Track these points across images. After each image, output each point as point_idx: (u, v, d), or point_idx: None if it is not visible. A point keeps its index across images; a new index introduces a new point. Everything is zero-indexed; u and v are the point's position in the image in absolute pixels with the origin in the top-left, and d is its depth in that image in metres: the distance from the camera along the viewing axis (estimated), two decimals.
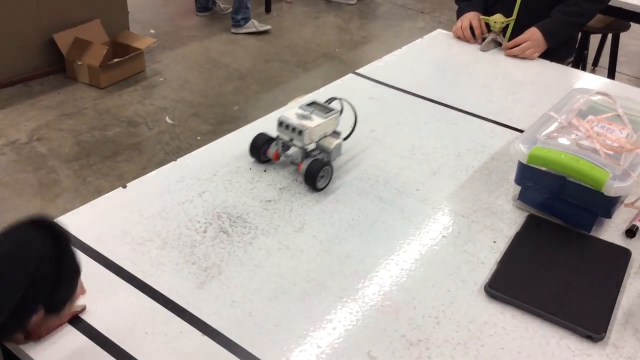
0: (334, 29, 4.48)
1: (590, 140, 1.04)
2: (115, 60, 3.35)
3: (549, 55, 1.78)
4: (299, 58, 3.95)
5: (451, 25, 1.89)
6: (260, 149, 1.18)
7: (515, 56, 1.75)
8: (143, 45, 3.51)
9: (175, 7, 4.53)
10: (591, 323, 0.85)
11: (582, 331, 0.84)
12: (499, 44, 1.80)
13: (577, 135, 1.07)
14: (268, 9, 4.58)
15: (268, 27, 4.21)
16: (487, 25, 1.79)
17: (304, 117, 1.14)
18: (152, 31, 4.08)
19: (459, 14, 1.89)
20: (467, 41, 1.82)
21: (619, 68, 3.78)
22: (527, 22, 1.79)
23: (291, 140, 1.13)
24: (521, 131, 1.33)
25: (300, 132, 1.10)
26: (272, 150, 1.17)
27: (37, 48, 3.30)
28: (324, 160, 1.14)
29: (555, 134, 1.07)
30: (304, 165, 1.12)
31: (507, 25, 1.81)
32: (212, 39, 4.09)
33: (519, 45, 1.75)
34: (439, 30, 1.90)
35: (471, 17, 1.82)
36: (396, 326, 0.85)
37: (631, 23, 3.04)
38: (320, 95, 1.46)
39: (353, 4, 4.90)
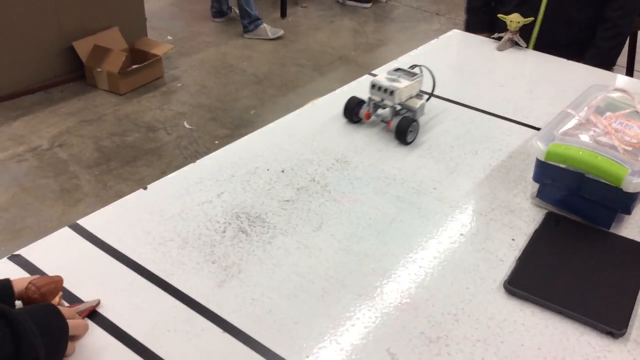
0: (350, 32, 4.49)
1: (608, 137, 1.04)
2: (134, 66, 3.40)
3: (573, 52, 1.82)
4: (314, 62, 3.97)
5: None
6: (352, 110, 1.33)
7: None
8: (161, 51, 3.55)
9: (191, 13, 4.57)
10: (612, 319, 0.85)
11: (603, 327, 0.84)
12: (515, 44, 1.79)
13: (595, 131, 1.06)
14: (284, 14, 4.61)
15: (280, 32, 4.24)
16: (504, 24, 1.79)
17: (393, 80, 1.29)
18: (169, 37, 4.13)
19: (468, 28, 1.93)
20: None
21: (637, 66, 3.74)
22: (552, 23, 1.82)
23: (382, 100, 1.29)
24: (538, 129, 1.33)
25: (392, 92, 1.26)
26: (363, 111, 1.33)
27: (57, 56, 3.36)
28: (411, 117, 1.28)
29: (573, 131, 1.07)
30: (394, 123, 1.28)
31: (528, 26, 1.80)
32: (229, 44, 4.13)
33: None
34: (455, 30, 1.90)
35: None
36: (415, 323, 0.85)
37: None
38: (337, 96, 1.47)
39: (368, 7, 4.91)
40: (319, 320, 0.85)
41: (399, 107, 1.31)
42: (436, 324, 0.86)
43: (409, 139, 1.27)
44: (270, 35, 4.19)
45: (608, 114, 1.12)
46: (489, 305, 0.89)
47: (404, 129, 1.26)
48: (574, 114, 1.12)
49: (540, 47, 1.86)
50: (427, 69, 1.38)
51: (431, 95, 1.39)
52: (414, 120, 1.28)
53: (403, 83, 1.28)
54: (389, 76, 1.30)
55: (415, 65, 1.37)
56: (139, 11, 3.72)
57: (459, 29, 1.99)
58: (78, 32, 3.38)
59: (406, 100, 1.31)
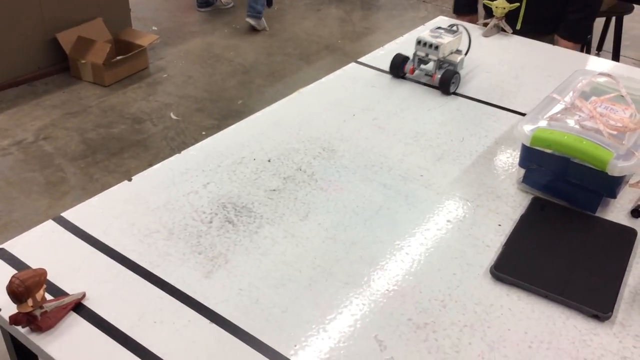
0: (336, 21, 4.47)
1: (593, 121, 1.04)
2: (118, 57, 3.37)
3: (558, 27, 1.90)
4: (301, 51, 3.95)
5: (453, 14, 1.90)
6: (399, 66, 1.48)
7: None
8: (146, 42, 3.52)
9: (176, 3, 4.53)
10: (597, 302, 0.85)
11: (589, 310, 0.85)
12: (501, 30, 1.79)
13: (580, 116, 1.06)
14: (270, 3, 4.57)
15: (266, 28, 4.22)
16: (490, 10, 1.79)
17: (436, 36, 1.43)
18: (154, 28, 4.09)
19: (456, 10, 1.95)
20: None
21: (623, 52, 3.75)
22: (537, 7, 1.86)
23: (427, 55, 1.44)
24: (524, 115, 1.33)
25: (437, 47, 1.41)
26: (408, 66, 1.48)
27: (40, 48, 3.32)
28: (453, 70, 1.43)
29: (558, 116, 1.07)
30: (438, 75, 1.43)
31: (513, 11, 1.81)
32: (215, 34, 4.10)
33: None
34: (441, 17, 1.89)
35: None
36: (402, 310, 0.86)
37: (634, 5, 3.02)
38: (323, 84, 1.47)
39: None
40: (306, 309, 0.85)
41: (442, 61, 1.45)
42: (423, 310, 0.86)
43: (452, 89, 1.43)
44: (259, 28, 4.15)
45: (593, 98, 1.12)
46: (475, 291, 0.89)
47: (448, 80, 1.41)
48: (559, 99, 1.12)
49: (528, 23, 1.90)
50: (465, 28, 1.51)
51: (467, 51, 1.52)
52: (456, 72, 1.43)
53: (446, 39, 1.42)
54: (432, 33, 1.45)
55: (454, 25, 1.51)
56: (122, 2, 3.68)
57: (445, 15, 1.98)
58: (61, 24, 3.34)
59: (448, 55, 1.45)
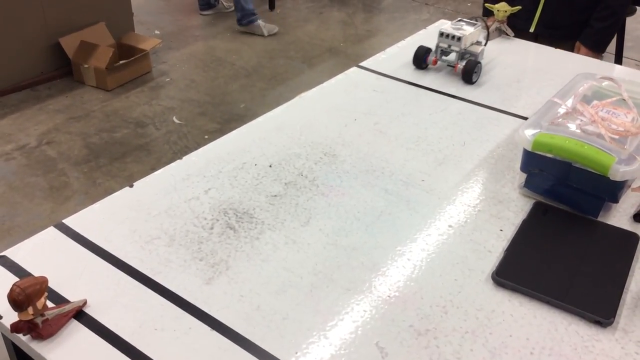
0: (339, 24, 4.47)
1: (595, 125, 1.04)
2: (121, 62, 3.38)
3: (574, 32, 1.96)
4: (304, 54, 3.96)
5: (456, 16, 1.91)
6: (422, 57, 1.54)
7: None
8: (148, 46, 3.53)
9: (179, 7, 4.54)
10: (600, 308, 0.85)
11: (591, 316, 0.84)
12: (503, 33, 1.79)
13: (582, 120, 1.06)
14: (272, 6, 4.58)
15: (275, 29, 4.18)
16: (492, 13, 1.79)
17: (458, 29, 1.50)
18: (157, 32, 4.10)
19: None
20: None
21: (626, 53, 3.74)
22: (554, 4, 1.87)
23: (449, 46, 1.50)
24: (526, 118, 1.32)
25: (459, 39, 1.48)
26: (431, 58, 1.54)
27: (43, 53, 3.33)
28: (475, 60, 1.49)
29: (559, 120, 1.07)
30: (460, 65, 1.50)
31: (530, 8, 1.86)
32: (217, 38, 4.11)
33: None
34: (442, 21, 1.89)
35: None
36: (404, 316, 0.85)
37: (637, 7, 3.01)
38: (324, 89, 1.47)
39: None
40: (307, 315, 0.85)
41: (463, 52, 1.51)
42: (425, 316, 0.85)
43: (474, 78, 1.49)
44: (265, 33, 4.13)
45: (595, 102, 1.12)
46: (477, 297, 0.89)
47: (471, 70, 1.48)
48: (561, 103, 1.11)
49: (542, 27, 1.91)
50: (483, 20, 1.58)
51: (487, 42, 1.58)
52: (478, 62, 1.49)
53: (467, 30, 1.49)
54: (454, 26, 1.52)
55: (474, 17, 1.58)
56: (125, 6, 3.69)
57: (447, 18, 1.99)
58: (64, 28, 3.35)
59: (469, 46, 1.52)
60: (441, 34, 1.50)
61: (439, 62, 1.55)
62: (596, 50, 1.91)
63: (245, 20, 4.10)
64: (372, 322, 0.84)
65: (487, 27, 1.80)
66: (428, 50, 1.55)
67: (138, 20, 3.87)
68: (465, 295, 0.89)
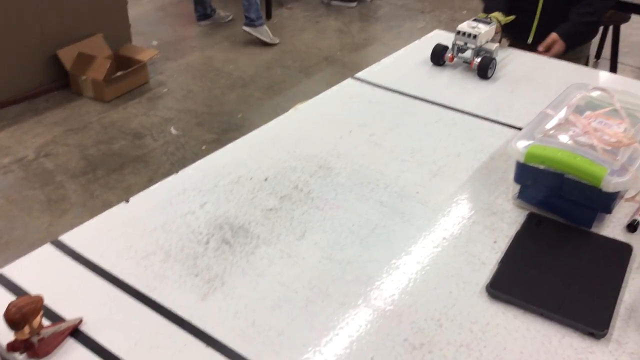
0: (335, 33, 4.49)
1: (587, 136, 1.04)
2: (119, 73, 3.38)
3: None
4: (301, 63, 3.97)
5: (451, 24, 1.92)
6: (439, 55, 1.64)
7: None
8: (146, 57, 3.54)
9: (176, 18, 4.56)
10: (593, 320, 0.85)
11: (584, 328, 0.85)
12: (498, 42, 1.80)
13: (574, 131, 1.07)
14: (269, 15, 4.60)
15: (277, 40, 4.19)
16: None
17: (474, 27, 1.60)
18: (154, 43, 4.11)
19: (486, 10, 1.98)
20: None
21: (622, 59, 3.76)
22: (550, 15, 1.89)
23: (465, 44, 1.60)
24: (520, 129, 1.33)
25: (475, 37, 1.58)
26: (448, 55, 1.63)
27: (40, 65, 3.34)
28: (490, 56, 1.58)
29: (552, 131, 1.08)
30: (476, 61, 1.59)
31: (527, 20, 1.87)
32: (214, 48, 4.12)
33: (548, 49, 1.91)
34: (437, 31, 1.90)
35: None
36: (399, 330, 0.86)
37: (631, 15, 3.03)
38: (319, 101, 1.47)
39: (353, 7, 4.91)
40: (302, 331, 0.85)
41: (479, 49, 1.61)
42: (419, 330, 0.86)
43: (489, 74, 1.58)
44: (270, 40, 4.13)
45: (588, 112, 1.13)
46: (471, 310, 0.89)
47: (486, 65, 1.57)
48: (553, 114, 1.12)
49: (540, 39, 1.92)
50: (497, 19, 1.70)
51: (500, 40, 1.69)
52: (493, 58, 1.58)
53: (483, 29, 1.59)
54: (470, 24, 1.62)
55: (487, 16, 1.69)
56: (122, 17, 3.70)
57: (443, 26, 2.00)
58: (61, 40, 3.36)
59: (484, 44, 1.62)
60: (458, 32, 1.60)
61: (455, 59, 1.64)
62: (568, 42, 1.91)
63: (258, 21, 4.09)
64: (367, 337, 0.84)
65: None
66: (445, 47, 1.64)
67: (135, 31, 3.88)
68: (460, 308, 0.90)
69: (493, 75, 1.60)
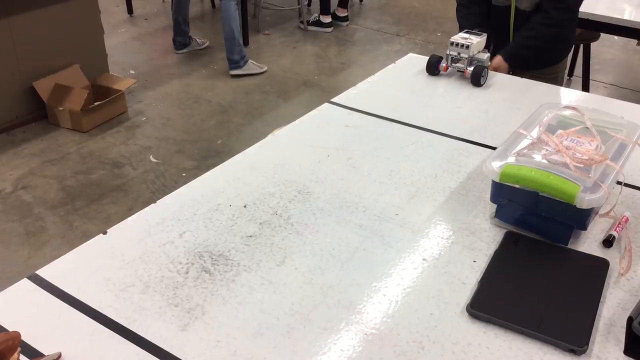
0: (312, 57, 4.53)
1: (560, 155, 1.06)
2: (96, 103, 3.38)
3: (545, 60, 2.02)
4: (279, 88, 3.99)
5: (426, 46, 1.97)
6: (434, 65, 1.75)
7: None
8: (123, 86, 3.54)
9: (153, 46, 4.57)
10: (573, 336, 0.86)
11: (565, 345, 0.85)
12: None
13: (547, 150, 1.09)
14: (246, 42, 4.63)
15: (265, 68, 4.19)
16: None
17: (466, 38, 1.72)
18: (132, 72, 4.11)
19: (462, 21, 2.07)
20: None
21: (594, 76, 3.85)
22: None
23: (458, 54, 1.72)
24: (494, 149, 1.35)
25: (467, 47, 1.70)
26: (442, 65, 1.74)
27: (17, 97, 3.32)
28: (482, 65, 1.70)
29: (525, 151, 1.09)
30: (469, 70, 1.71)
31: (503, 36, 2.03)
32: (192, 75, 4.13)
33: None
34: (411, 55, 1.93)
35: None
36: (381, 354, 0.86)
37: (600, 33, 3.11)
38: (297, 126, 1.48)
39: (329, 32, 4.97)
40: (285, 358, 0.85)
41: (471, 59, 1.71)
42: (402, 353, 0.86)
43: (482, 81, 1.70)
44: (259, 70, 4.13)
45: (559, 131, 1.15)
46: (453, 330, 0.90)
47: (479, 74, 1.68)
48: (526, 134, 1.14)
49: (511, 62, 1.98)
50: (487, 31, 1.79)
51: (490, 51, 1.79)
52: (485, 67, 1.70)
53: (474, 40, 1.71)
54: (462, 35, 1.74)
55: (477, 29, 1.79)
56: (99, 47, 3.71)
57: (418, 48, 2.04)
58: (38, 72, 3.35)
59: (476, 54, 1.73)
60: (451, 43, 1.72)
61: (449, 69, 1.74)
62: (509, 62, 1.97)
63: (242, 61, 4.06)
64: None
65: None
66: (440, 58, 1.75)
67: (112, 60, 3.89)
68: (442, 329, 0.90)
69: (485, 82, 1.71)
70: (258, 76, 4.13)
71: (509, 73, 1.93)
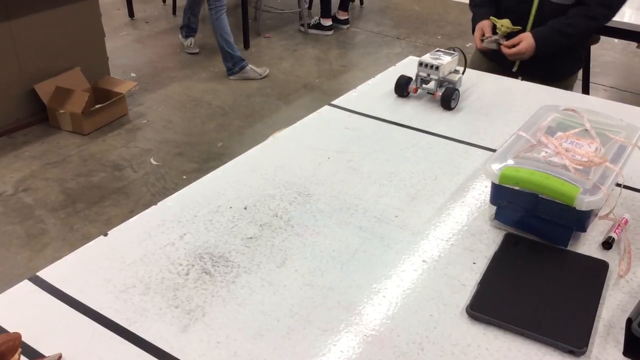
0: (313, 60, 4.54)
1: (559, 157, 1.07)
2: (97, 106, 3.39)
3: (554, 71, 1.95)
4: (279, 91, 4.00)
5: (427, 49, 1.97)
6: (403, 86, 1.62)
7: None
8: (124, 89, 3.54)
9: (154, 49, 4.58)
10: (572, 338, 0.86)
11: (564, 347, 0.85)
12: (499, 45, 1.88)
13: (546, 152, 1.09)
14: (246, 45, 4.64)
15: (267, 71, 4.18)
16: (495, 26, 1.88)
17: (436, 58, 1.59)
18: (132, 74, 4.12)
19: (473, 20, 2.01)
20: (477, 47, 1.93)
21: (594, 79, 3.85)
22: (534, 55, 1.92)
23: (428, 75, 1.58)
24: (494, 151, 1.35)
25: (437, 68, 1.56)
26: (412, 86, 1.62)
27: (18, 99, 3.33)
28: (453, 87, 1.57)
29: (525, 153, 1.10)
30: (439, 92, 1.58)
31: (498, 53, 1.91)
32: (193, 78, 4.14)
33: (515, 45, 1.90)
34: (411, 57, 1.93)
35: (480, 26, 1.91)
36: (381, 355, 0.86)
37: (600, 36, 3.12)
38: (297, 128, 1.49)
39: (330, 35, 4.98)
40: (285, 359, 0.85)
41: (442, 80, 1.59)
42: (402, 354, 0.86)
43: (452, 104, 1.56)
44: (260, 75, 4.13)
45: (559, 134, 1.15)
46: (452, 332, 0.90)
47: (449, 97, 1.55)
48: (526, 136, 1.14)
49: (525, 66, 1.98)
50: (460, 50, 1.65)
51: (464, 71, 1.66)
52: (456, 89, 1.57)
53: (445, 60, 1.58)
54: (432, 56, 1.60)
55: (451, 47, 1.66)
56: (100, 50, 3.72)
57: (419, 51, 2.05)
58: (39, 75, 3.36)
59: (447, 75, 1.60)
60: (420, 64, 1.58)
61: (419, 90, 1.63)
62: (538, 43, 1.87)
63: (237, 67, 4.06)
64: None
65: (485, 39, 1.91)
66: (409, 79, 1.62)
67: (113, 63, 3.89)
68: (441, 331, 0.90)
69: (457, 106, 1.59)
70: (259, 79, 4.13)
71: (529, 55, 1.88)
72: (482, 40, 1.96)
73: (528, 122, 1.21)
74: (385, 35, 5.01)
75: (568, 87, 2.10)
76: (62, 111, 3.33)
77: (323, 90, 4.03)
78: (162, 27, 5.00)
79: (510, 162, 1.07)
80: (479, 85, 1.75)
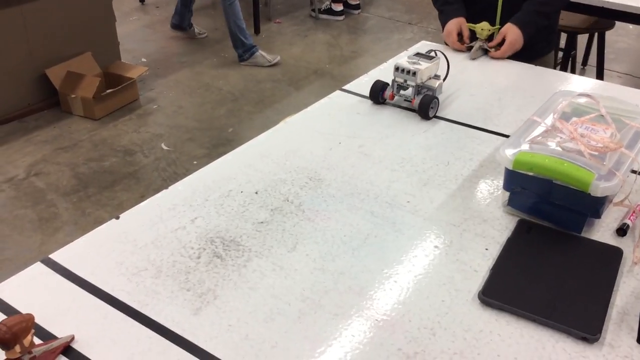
0: (324, 46, 4.51)
1: (574, 142, 1.05)
2: (108, 91, 3.39)
3: (528, 50, 1.81)
4: (290, 76, 3.98)
5: (438, 34, 1.90)
6: (378, 92, 1.48)
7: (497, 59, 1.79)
8: (135, 74, 3.54)
9: (164, 34, 4.57)
10: (586, 324, 0.86)
11: (577, 333, 0.85)
12: (486, 51, 1.82)
13: (561, 138, 1.08)
14: (257, 30, 4.62)
15: (278, 57, 4.15)
16: (473, 33, 1.81)
17: (414, 63, 1.44)
18: (143, 60, 4.12)
19: (443, 19, 1.90)
20: (455, 48, 1.84)
21: (608, 65, 3.80)
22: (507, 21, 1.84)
23: (405, 81, 1.45)
24: (508, 136, 1.34)
25: (414, 73, 1.42)
26: (388, 92, 1.49)
27: (30, 84, 3.33)
28: (432, 95, 1.43)
29: (539, 138, 1.08)
30: (417, 100, 1.43)
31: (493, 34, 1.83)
32: (204, 64, 4.13)
33: (502, 43, 1.79)
34: (424, 42, 1.92)
35: (456, 23, 1.84)
36: (392, 340, 0.86)
37: (615, 22, 3.07)
38: (308, 113, 1.48)
39: (341, 20, 4.95)
40: (296, 343, 0.85)
41: (420, 87, 1.46)
42: (413, 339, 0.86)
43: (430, 114, 1.43)
44: (269, 62, 4.11)
45: (574, 119, 1.14)
46: (464, 317, 0.89)
47: (427, 105, 1.42)
48: (540, 121, 1.13)
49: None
50: (442, 53, 1.53)
51: (446, 76, 1.55)
52: (435, 97, 1.44)
53: (423, 65, 1.44)
54: (410, 60, 1.46)
55: (432, 50, 1.52)
56: (111, 35, 3.71)
57: (431, 37, 2.02)
58: (50, 59, 3.36)
59: (426, 81, 1.46)
60: (397, 69, 1.45)
61: (396, 97, 1.50)
62: (523, 30, 1.76)
63: (247, 54, 4.05)
64: (360, 347, 0.84)
65: (469, 48, 1.82)
66: (385, 84, 1.49)
67: (124, 48, 3.89)
68: (453, 316, 0.90)
69: (435, 114, 1.45)
70: (268, 66, 4.11)
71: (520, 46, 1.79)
72: (461, 42, 1.86)
73: (542, 107, 1.20)
74: (396, 20, 4.97)
75: (548, 65, 2.03)
76: (73, 96, 3.33)
77: (333, 76, 4.00)
78: (172, 12, 4.98)
79: (525, 147, 1.06)
80: (491, 70, 1.73)
